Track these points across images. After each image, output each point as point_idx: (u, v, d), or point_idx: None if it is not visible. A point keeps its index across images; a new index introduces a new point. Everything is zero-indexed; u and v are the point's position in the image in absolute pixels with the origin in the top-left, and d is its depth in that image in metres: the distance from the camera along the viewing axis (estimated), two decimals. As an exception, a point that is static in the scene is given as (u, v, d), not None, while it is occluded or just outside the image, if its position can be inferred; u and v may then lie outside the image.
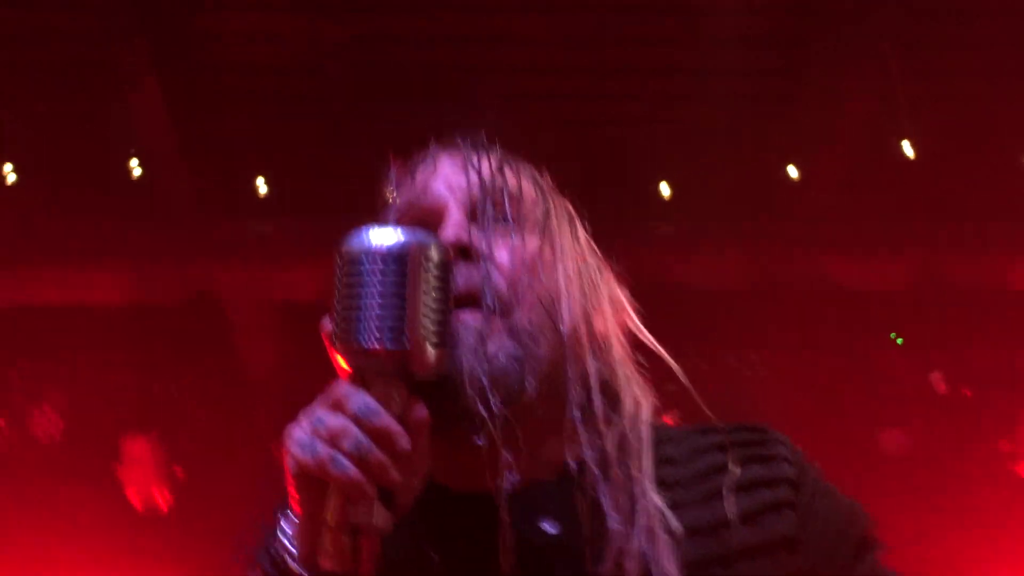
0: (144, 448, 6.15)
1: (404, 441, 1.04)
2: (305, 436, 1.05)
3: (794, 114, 5.84)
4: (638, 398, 1.28)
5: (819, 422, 6.25)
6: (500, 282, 1.23)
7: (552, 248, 1.30)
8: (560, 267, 1.29)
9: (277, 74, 5.66)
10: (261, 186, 5.77)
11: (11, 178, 5.57)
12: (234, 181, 5.80)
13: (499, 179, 1.32)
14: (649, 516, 1.17)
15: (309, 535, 1.06)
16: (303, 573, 1.08)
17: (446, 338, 1.09)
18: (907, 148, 5.76)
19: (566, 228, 1.35)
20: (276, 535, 1.12)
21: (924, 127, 5.72)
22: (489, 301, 1.20)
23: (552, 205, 1.35)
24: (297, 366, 6.16)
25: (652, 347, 1.31)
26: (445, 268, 1.09)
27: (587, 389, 1.24)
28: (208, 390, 6.34)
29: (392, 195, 1.37)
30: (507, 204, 1.29)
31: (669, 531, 1.16)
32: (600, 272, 1.36)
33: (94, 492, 6.27)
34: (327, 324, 1.12)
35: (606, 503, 1.18)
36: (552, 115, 5.82)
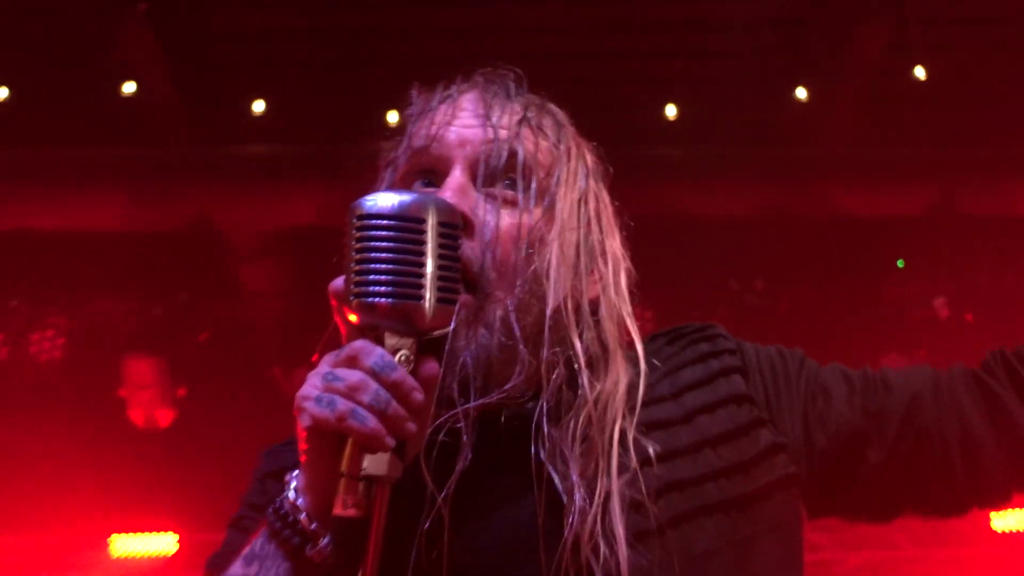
0: (146, 370, 6.22)
1: (418, 394, 1.09)
2: (319, 392, 1.09)
3: (805, 37, 5.70)
4: (618, 376, 1.31)
5: (826, 350, 6.22)
6: (488, 261, 1.26)
7: (551, 221, 1.31)
8: (556, 244, 1.30)
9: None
10: (257, 108, 5.69)
11: (3, 93, 5.51)
12: (230, 104, 5.74)
13: (514, 140, 1.32)
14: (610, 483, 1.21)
15: (324, 487, 1.10)
16: (314, 524, 1.13)
17: (453, 295, 1.13)
18: (920, 73, 5.61)
19: (574, 194, 1.36)
20: (285, 494, 1.16)
21: (938, 50, 5.57)
22: (475, 276, 1.24)
23: (566, 166, 1.37)
24: (294, 289, 6.18)
25: (633, 335, 1.37)
26: (449, 230, 1.14)
27: (570, 366, 1.29)
28: (207, 313, 6.36)
29: (409, 129, 1.40)
30: (520, 173, 1.30)
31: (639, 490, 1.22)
32: (604, 241, 1.39)
33: (96, 412, 6.37)
34: (338, 284, 1.15)
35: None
36: (559, 48, 5.69)
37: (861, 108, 5.83)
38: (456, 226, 1.15)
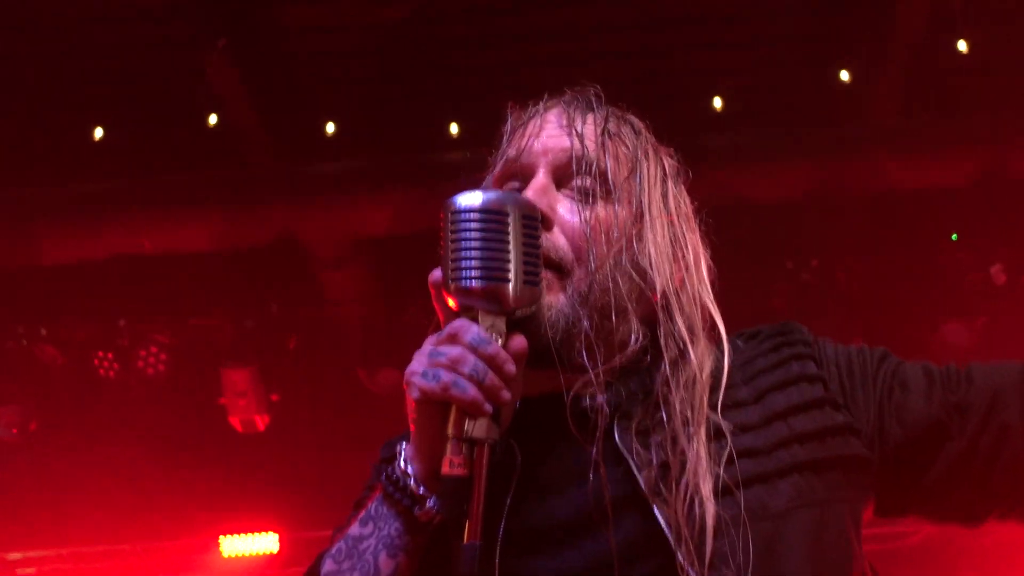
0: (242, 378, 6.46)
1: (511, 366, 1.24)
2: (425, 367, 1.24)
3: (847, 16, 5.76)
4: (703, 358, 1.41)
5: (885, 322, 6.30)
6: (566, 248, 1.39)
7: (641, 218, 1.43)
8: (649, 236, 1.43)
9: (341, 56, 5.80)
10: (330, 128, 5.92)
11: (99, 133, 5.84)
12: (306, 124, 5.98)
13: (595, 147, 1.45)
14: (699, 443, 1.32)
15: (431, 452, 1.25)
16: (421, 488, 1.28)
17: (535, 277, 1.29)
18: (962, 46, 5.65)
19: (657, 194, 1.48)
20: (396, 462, 1.32)
21: (979, 22, 5.59)
22: (556, 261, 1.37)
23: (647, 171, 1.48)
24: (373, 294, 6.40)
25: (716, 320, 1.47)
26: (530, 221, 1.29)
27: (661, 351, 1.42)
28: (295, 322, 6.59)
29: (504, 143, 1.55)
30: (596, 174, 1.42)
31: (719, 453, 1.32)
32: (686, 235, 1.50)
33: (200, 421, 6.65)
34: (436, 274, 1.30)
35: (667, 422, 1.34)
36: (607, 46, 5.84)
37: (905, 83, 5.86)
38: (535, 219, 1.30)
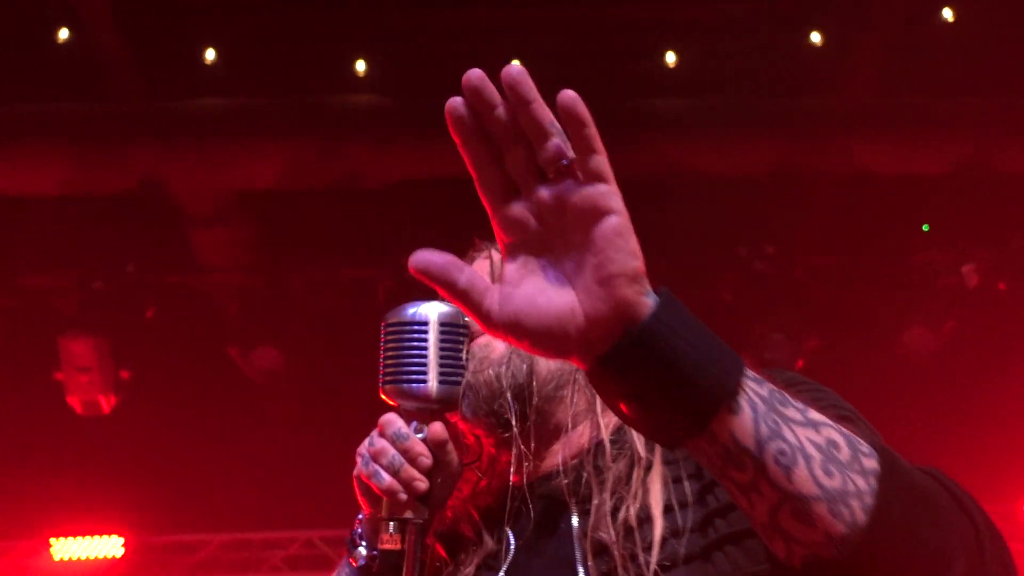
0: (85, 350, 6.31)
1: (426, 460, 1.60)
2: (364, 452, 1.63)
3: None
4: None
5: (844, 324, 6.39)
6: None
7: None
8: None
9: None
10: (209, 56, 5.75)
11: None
12: (181, 56, 5.78)
13: None
14: (646, 494, 1.62)
15: (372, 526, 1.67)
16: (372, 552, 1.69)
17: (455, 376, 1.65)
18: (948, 15, 5.72)
19: None
20: (355, 528, 1.74)
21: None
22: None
23: None
24: (254, 260, 6.26)
25: None
26: (450, 328, 1.66)
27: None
28: (157, 289, 6.44)
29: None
30: None
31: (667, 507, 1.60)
32: None
33: (31, 398, 6.46)
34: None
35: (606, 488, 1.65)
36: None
37: (883, 54, 5.90)
38: (457, 325, 1.66)
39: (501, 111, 1.12)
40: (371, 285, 6.47)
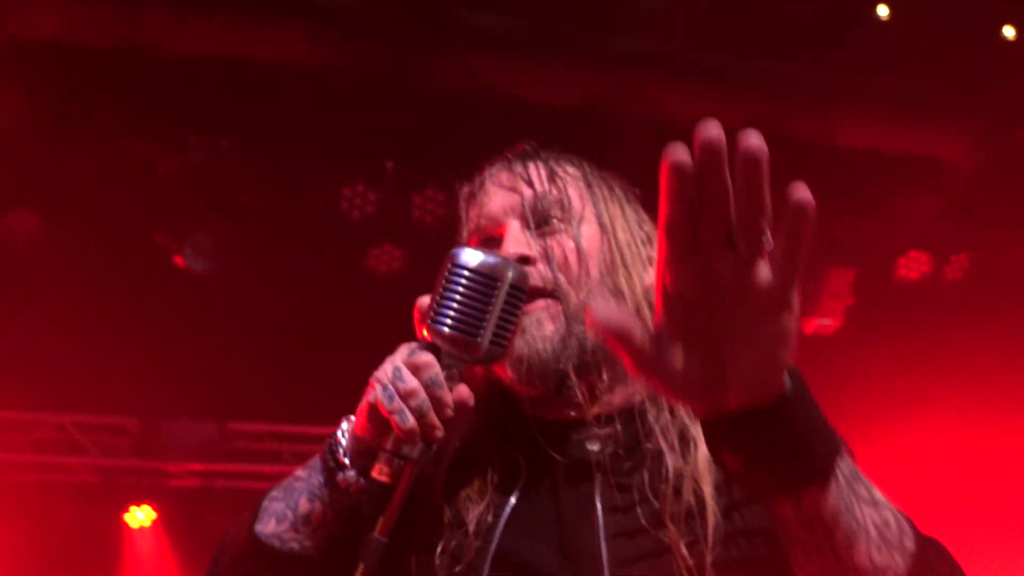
0: None
1: (451, 412, 1.65)
2: (387, 382, 1.65)
3: None
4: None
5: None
6: (558, 276, 1.84)
7: (607, 235, 1.90)
8: (615, 249, 1.90)
9: None
10: None
11: None
12: None
13: (549, 188, 1.92)
14: (697, 447, 1.73)
15: (367, 442, 1.70)
16: (347, 460, 1.74)
17: (503, 340, 1.69)
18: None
19: (616, 211, 1.95)
20: (338, 430, 1.78)
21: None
22: (548, 293, 1.84)
23: (600, 195, 1.95)
24: (24, 120, 5.79)
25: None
26: (517, 292, 1.70)
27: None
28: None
29: (464, 217, 2.00)
30: (558, 207, 1.91)
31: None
32: (651, 240, 1.96)
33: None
34: (424, 301, 1.70)
35: (658, 434, 1.79)
36: None
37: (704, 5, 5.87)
38: (522, 290, 1.70)
39: (726, 175, 1.08)
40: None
